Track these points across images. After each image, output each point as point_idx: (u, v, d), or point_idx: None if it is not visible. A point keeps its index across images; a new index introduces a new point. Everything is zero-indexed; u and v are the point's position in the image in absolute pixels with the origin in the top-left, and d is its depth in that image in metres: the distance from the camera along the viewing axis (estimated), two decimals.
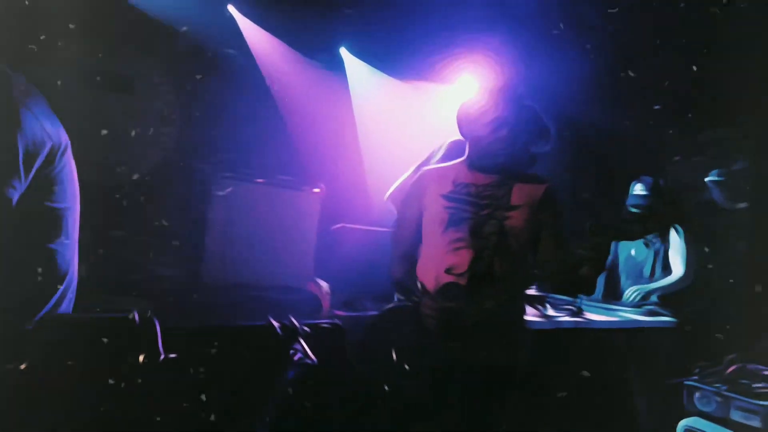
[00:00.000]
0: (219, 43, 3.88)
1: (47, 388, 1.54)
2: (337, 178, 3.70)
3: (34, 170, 1.56)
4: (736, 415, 2.57)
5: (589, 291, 3.71)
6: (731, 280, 4.52)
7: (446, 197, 1.91)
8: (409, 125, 4.33)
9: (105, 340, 1.63)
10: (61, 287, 1.65)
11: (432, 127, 3.69)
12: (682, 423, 2.72)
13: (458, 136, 2.12)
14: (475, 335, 1.79)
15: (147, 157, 3.70)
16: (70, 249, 1.69)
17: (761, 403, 2.50)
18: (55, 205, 1.63)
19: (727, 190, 3.96)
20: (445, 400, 1.87)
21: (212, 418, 1.92)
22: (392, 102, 4.50)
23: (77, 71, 3.35)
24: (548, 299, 2.98)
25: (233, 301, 2.63)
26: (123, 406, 1.64)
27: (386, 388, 1.79)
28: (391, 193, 2.42)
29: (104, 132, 3.41)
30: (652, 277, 3.51)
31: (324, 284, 2.86)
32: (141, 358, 1.60)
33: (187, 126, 3.79)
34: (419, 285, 1.94)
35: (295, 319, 2.16)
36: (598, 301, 3.43)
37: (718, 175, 3.92)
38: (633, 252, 3.62)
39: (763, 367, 2.68)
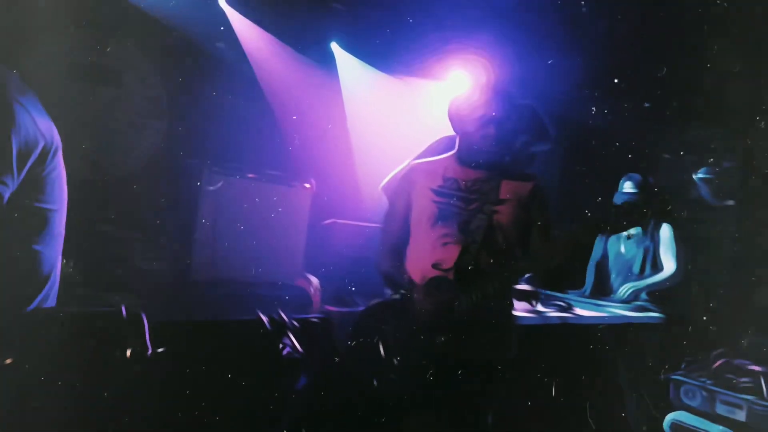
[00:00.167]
0: (209, 37, 3.85)
1: (34, 384, 1.54)
2: (328, 174, 3.69)
3: (26, 169, 1.55)
4: (721, 409, 2.60)
5: (578, 285, 3.74)
6: (718, 276, 4.58)
7: (435, 191, 1.92)
8: (399, 121, 4.33)
9: (93, 335, 1.63)
10: (43, 291, 1.63)
11: (423, 123, 3.70)
12: (669, 417, 2.76)
13: (452, 132, 2.12)
14: (462, 330, 1.79)
15: (136, 152, 3.67)
16: (54, 251, 1.68)
17: (745, 397, 2.54)
18: (44, 206, 1.62)
19: (716, 187, 4.00)
20: (432, 394, 1.88)
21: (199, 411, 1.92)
22: (383, 98, 4.49)
23: (65, 65, 3.31)
24: (541, 295, 3.00)
25: (223, 296, 2.63)
26: (112, 399, 1.63)
27: (374, 382, 1.79)
28: (385, 184, 2.42)
29: (92, 126, 3.39)
30: (641, 274, 3.54)
31: (314, 279, 2.86)
32: (128, 352, 1.60)
33: (177, 121, 3.76)
34: (408, 279, 1.94)
35: (285, 314, 2.16)
36: (587, 297, 3.46)
37: (707, 173, 3.95)
38: (623, 249, 3.65)
39: (748, 362, 2.72)
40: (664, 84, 4.33)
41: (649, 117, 5.01)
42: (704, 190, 3.99)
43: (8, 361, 1.50)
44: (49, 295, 1.67)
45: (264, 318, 2.06)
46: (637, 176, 3.62)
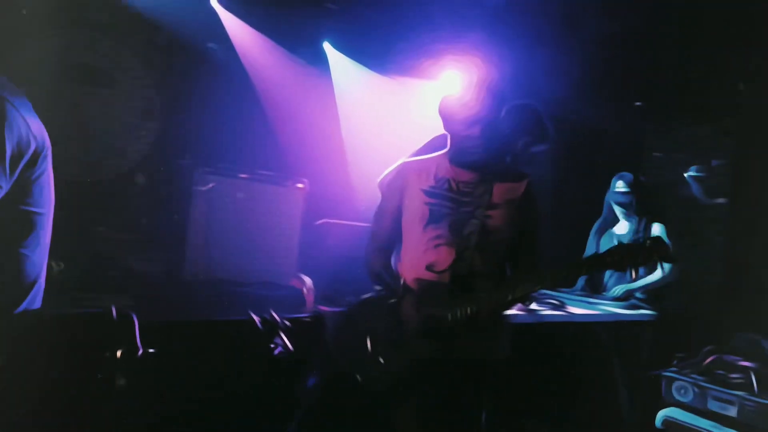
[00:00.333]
0: (201, 37, 3.84)
1: (24, 386, 1.52)
2: (321, 174, 3.68)
3: (18, 170, 1.54)
4: (713, 405, 2.62)
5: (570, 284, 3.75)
6: (709, 274, 4.61)
7: (427, 192, 1.91)
8: (392, 121, 4.33)
9: (82, 336, 1.62)
10: (29, 295, 1.62)
11: (415, 122, 3.70)
12: (661, 413, 2.77)
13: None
14: (453, 329, 1.79)
15: (128, 153, 3.66)
16: (40, 255, 1.66)
17: (737, 393, 2.55)
18: (31, 209, 1.60)
19: (706, 185, 4.03)
20: (422, 392, 1.87)
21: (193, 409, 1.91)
22: (376, 97, 4.49)
23: (56, 65, 3.30)
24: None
25: (215, 296, 2.62)
26: (102, 401, 1.63)
27: (358, 378, 1.78)
28: (381, 180, 2.41)
29: (84, 127, 3.37)
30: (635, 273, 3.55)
31: (307, 279, 2.86)
32: (118, 353, 1.59)
33: (169, 121, 3.75)
34: (402, 281, 1.93)
35: (277, 314, 2.16)
36: (580, 295, 3.47)
37: (698, 171, 3.97)
38: None
39: (739, 358, 2.73)
40: (656, 83, 4.36)
41: (642, 116, 5.05)
42: (695, 188, 4.02)
43: None
44: (36, 299, 1.65)
45: (256, 318, 2.05)
46: (629, 175, 3.63)
